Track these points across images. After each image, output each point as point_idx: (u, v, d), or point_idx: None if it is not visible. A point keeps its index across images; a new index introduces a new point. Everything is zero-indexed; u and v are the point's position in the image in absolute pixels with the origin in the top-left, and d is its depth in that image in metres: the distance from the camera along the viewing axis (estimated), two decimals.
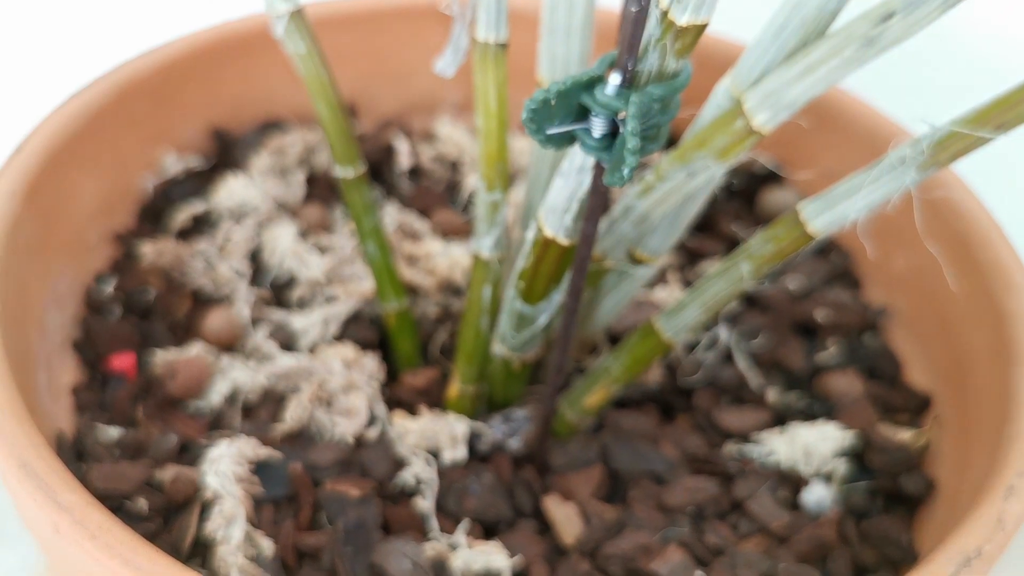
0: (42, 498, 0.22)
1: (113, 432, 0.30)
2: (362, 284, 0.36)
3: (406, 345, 0.35)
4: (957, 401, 0.34)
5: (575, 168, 0.25)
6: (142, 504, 0.28)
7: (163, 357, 0.32)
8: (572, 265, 0.27)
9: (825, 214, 0.27)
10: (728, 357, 0.36)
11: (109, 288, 0.35)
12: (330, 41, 0.41)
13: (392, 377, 0.35)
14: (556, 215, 0.26)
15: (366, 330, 0.35)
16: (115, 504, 0.28)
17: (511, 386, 0.33)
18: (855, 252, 0.41)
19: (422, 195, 0.40)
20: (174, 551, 0.27)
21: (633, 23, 0.21)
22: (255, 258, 0.37)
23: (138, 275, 0.35)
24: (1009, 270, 0.33)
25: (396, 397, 0.34)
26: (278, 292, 0.36)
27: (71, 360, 0.33)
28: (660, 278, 0.39)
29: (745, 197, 0.43)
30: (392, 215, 0.39)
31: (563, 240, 0.27)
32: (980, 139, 0.25)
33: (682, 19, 0.22)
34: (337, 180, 0.33)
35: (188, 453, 0.30)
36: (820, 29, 0.25)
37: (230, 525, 0.27)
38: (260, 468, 0.29)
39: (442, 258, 0.37)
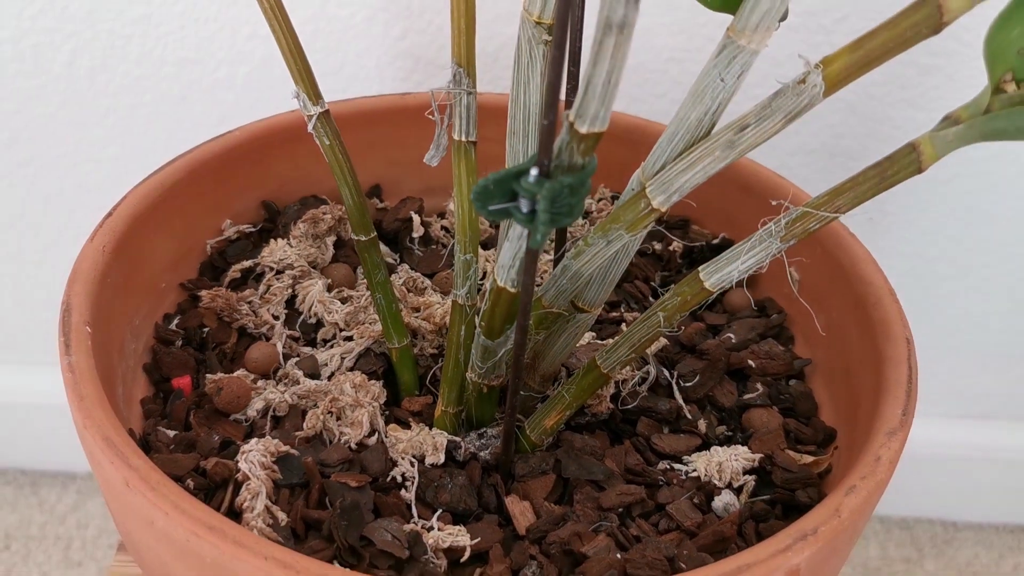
0: (118, 462, 0.31)
1: (171, 433, 0.39)
2: (373, 327, 0.44)
3: (407, 376, 0.44)
4: (850, 433, 0.41)
5: (516, 235, 0.34)
6: (190, 484, 0.36)
7: (212, 379, 0.41)
8: (519, 309, 0.35)
9: (716, 275, 0.36)
10: (670, 393, 0.44)
11: (173, 325, 0.44)
12: (361, 132, 0.51)
13: (395, 402, 0.43)
14: (504, 270, 0.35)
15: (375, 363, 0.44)
16: None
17: (484, 408, 0.41)
18: (792, 312, 0.49)
19: (429, 258, 0.49)
20: None
21: (545, 132, 0.30)
22: (290, 305, 0.46)
23: (196, 315, 0.45)
24: (893, 325, 0.41)
25: (396, 417, 0.42)
26: (307, 332, 0.45)
27: (142, 379, 0.42)
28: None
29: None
30: (404, 273, 0.48)
31: (511, 289, 0.35)
32: (822, 217, 0.34)
33: (582, 129, 0.31)
34: (355, 243, 0.42)
35: (227, 449, 0.38)
36: (702, 135, 0.34)
37: (255, 498, 0.35)
38: (281, 461, 0.37)
39: (439, 308, 0.45)
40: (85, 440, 0.33)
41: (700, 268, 0.36)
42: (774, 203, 0.36)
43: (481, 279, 0.44)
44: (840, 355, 0.44)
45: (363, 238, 0.41)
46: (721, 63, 0.32)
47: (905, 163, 0.32)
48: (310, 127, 0.39)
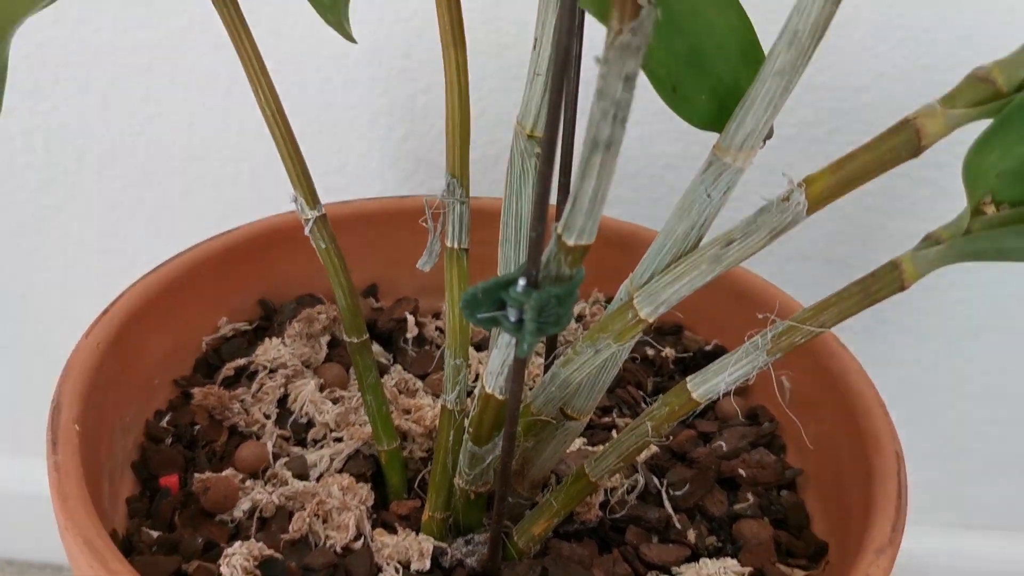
0: (97, 565, 0.31)
1: (154, 533, 0.39)
2: (364, 429, 0.44)
3: (395, 479, 0.44)
4: (842, 547, 0.41)
5: (504, 342, 0.34)
6: None
7: (200, 478, 0.41)
8: (506, 416, 0.35)
9: (703, 386, 0.36)
10: (659, 502, 0.44)
11: (164, 422, 0.44)
12: (360, 233, 0.51)
13: (383, 505, 0.43)
14: (492, 377, 0.35)
15: (364, 465, 0.44)
16: None
17: (471, 514, 0.40)
18: (784, 420, 0.48)
19: (422, 359, 0.50)
20: None
21: (533, 244, 0.31)
22: (282, 404, 0.46)
23: (188, 412, 0.45)
24: (882, 437, 0.41)
25: (384, 520, 0.42)
26: (298, 431, 0.45)
27: (130, 476, 0.42)
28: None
29: None
30: (396, 374, 0.48)
31: (498, 396, 0.35)
32: (808, 331, 0.34)
33: (570, 241, 0.31)
34: (347, 344, 0.42)
35: (211, 552, 0.38)
36: (689, 248, 0.34)
37: None
38: (265, 564, 0.37)
39: (429, 411, 0.45)
40: (66, 540, 0.33)
41: (688, 379, 0.36)
42: (760, 316, 0.36)
43: (473, 382, 0.44)
44: (831, 466, 0.44)
45: (355, 340, 0.41)
46: (708, 179, 0.33)
47: (888, 280, 0.33)
48: (307, 230, 0.40)
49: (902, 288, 0.33)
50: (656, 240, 0.35)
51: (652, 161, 0.70)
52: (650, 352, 0.52)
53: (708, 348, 0.52)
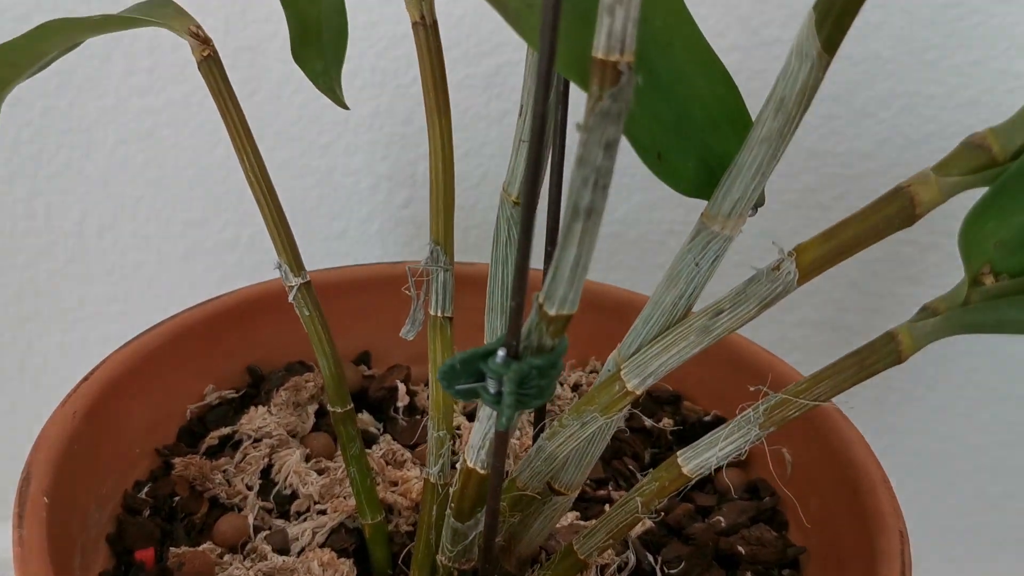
0: None
1: None
2: (348, 501, 0.43)
3: (379, 554, 0.42)
4: None
5: (486, 415, 0.33)
6: None
7: (175, 552, 0.40)
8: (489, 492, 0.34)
9: (694, 461, 0.34)
10: None
11: (144, 492, 0.43)
12: (353, 299, 0.51)
13: None
14: (474, 450, 0.34)
15: (347, 540, 0.42)
16: None
17: None
18: (786, 495, 0.47)
19: (412, 428, 0.48)
20: None
21: (513, 313, 0.30)
22: (266, 475, 0.45)
23: (168, 483, 0.43)
24: (886, 516, 0.39)
25: None
26: (281, 503, 0.44)
27: (104, 550, 0.41)
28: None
29: None
30: (385, 444, 0.47)
31: (480, 470, 0.34)
32: (802, 405, 0.32)
33: (551, 311, 0.30)
34: (331, 414, 0.41)
35: None
36: (677, 318, 0.33)
37: None
38: None
39: (416, 483, 0.44)
40: None
41: (679, 452, 0.35)
42: (752, 389, 0.35)
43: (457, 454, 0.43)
44: (834, 544, 0.42)
45: (339, 410, 0.40)
46: (696, 248, 0.32)
47: (884, 353, 0.31)
48: (291, 297, 0.39)
49: (899, 361, 0.31)
50: (644, 310, 0.34)
51: (655, 227, 0.69)
52: (647, 422, 0.50)
53: (707, 419, 0.50)
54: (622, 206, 0.69)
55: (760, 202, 0.35)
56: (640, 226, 0.70)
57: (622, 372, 0.33)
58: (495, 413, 0.33)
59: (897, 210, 0.29)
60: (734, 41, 0.63)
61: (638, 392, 0.33)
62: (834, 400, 0.47)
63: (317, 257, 0.71)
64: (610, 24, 0.23)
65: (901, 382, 0.74)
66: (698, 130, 0.31)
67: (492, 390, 0.31)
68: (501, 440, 0.33)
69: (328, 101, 0.65)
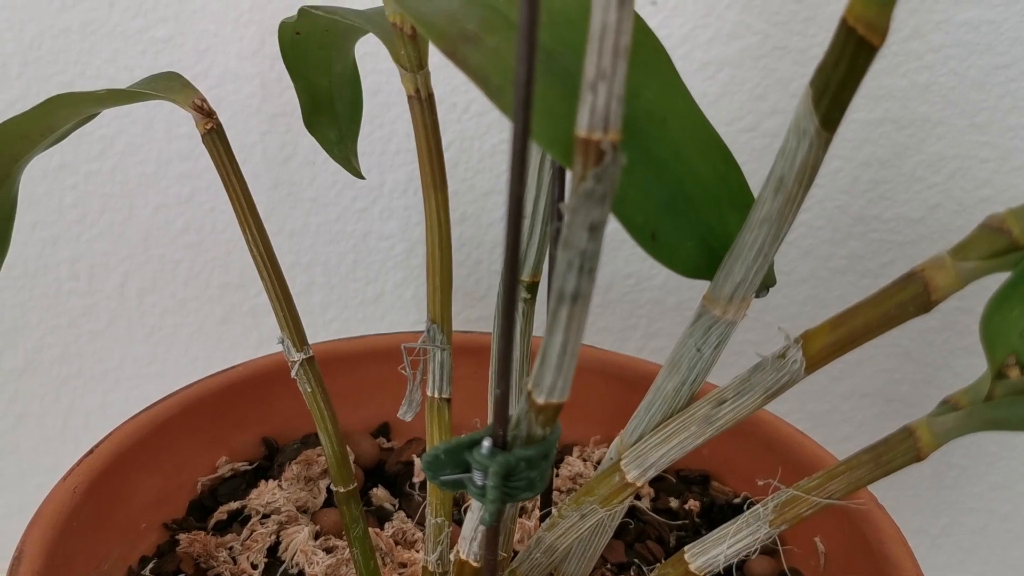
0: None
1: None
2: None
3: None
4: None
5: (477, 505, 0.31)
6: None
7: None
8: None
9: (701, 557, 0.32)
10: None
11: (148, 569, 0.42)
12: (372, 369, 0.50)
13: None
14: (467, 542, 0.32)
15: None
16: None
17: None
18: None
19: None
20: None
21: (498, 402, 0.28)
22: (274, 552, 0.44)
23: (174, 559, 0.43)
24: None
25: None
26: None
27: None
28: None
29: None
30: (397, 523, 0.45)
31: (473, 563, 0.32)
32: (814, 502, 0.30)
33: (540, 400, 0.29)
34: (334, 494, 0.40)
35: None
36: (679, 405, 0.31)
37: None
38: None
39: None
40: None
41: (686, 548, 0.33)
42: (760, 483, 0.32)
43: None
44: None
45: (342, 490, 0.39)
46: (697, 333, 0.30)
47: (901, 450, 0.29)
48: (293, 373, 0.38)
49: (918, 458, 0.29)
50: (646, 396, 0.32)
51: (696, 293, 0.67)
52: (674, 503, 0.48)
53: (736, 501, 0.48)
54: (661, 272, 0.67)
55: (770, 282, 0.33)
56: (680, 292, 0.68)
57: (622, 463, 0.31)
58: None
59: (912, 296, 0.27)
60: (775, 104, 0.61)
61: (638, 484, 0.31)
62: (872, 489, 0.44)
63: (352, 322, 0.71)
64: (592, 101, 0.21)
65: (960, 457, 0.70)
66: (696, 209, 0.29)
67: (479, 482, 0.30)
68: (491, 535, 0.31)
69: (363, 164, 0.65)
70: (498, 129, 0.64)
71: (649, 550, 0.46)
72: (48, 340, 0.73)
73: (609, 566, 0.45)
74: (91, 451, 0.41)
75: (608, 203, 0.24)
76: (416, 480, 0.48)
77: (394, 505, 0.48)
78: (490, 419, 0.35)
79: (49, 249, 0.69)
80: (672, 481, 0.49)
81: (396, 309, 0.70)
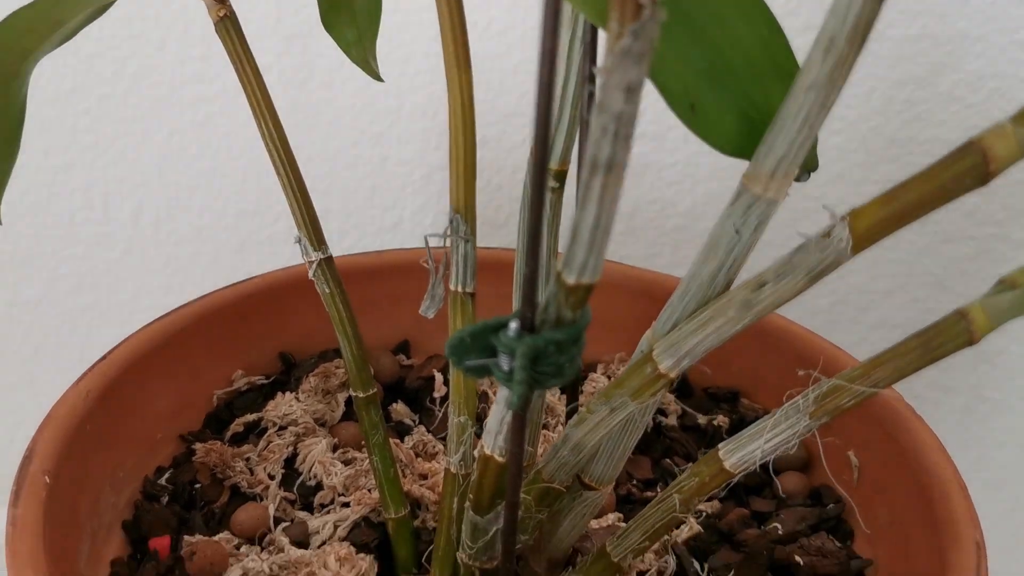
0: None
1: None
2: (372, 494, 0.40)
3: (403, 552, 0.39)
4: None
5: (503, 396, 0.30)
6: None
7: (189, 541, 0.38)
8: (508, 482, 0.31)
9: (736, 454, 0.31)
10: None
11: (164, 479, 0.41)
12: (391, 285, 0.48)
13: None
14: (491, 436, 0.31)
15: (369, 535, 0.40)
16: None
17: None
18: (853, 503, 0.43)
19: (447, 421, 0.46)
20: None
21: (526, 281, 0.27)
22: (291, 464, 0.43)
23: (190, 470, 0.42)
24: (960, 525, 0.35)
25: None
26: (305, 494, 0.42)
27: (119, 536, 0.39)
28: None
29: None
30: (417, 436, 0.44)
31: (498, 458, 0.31)
32: (859, 392, 0.29)
33: (570, 280, 0.27)
34: (353, 399, 0.38)
35: None
36: (716, 292, 0.30)
37: None
38: None
39: None
40: None
41: (720, 445, 0.31)
42: (801, 373, 0.31)
43: None
44: (903, 556, 0.38)
45: (361, 395, 0.37)
46: (736, 213, 0.28)
47: (953, 333, 0.27)
48: (311, 274, 0.37)
49: (971, 342, 0.28)
50: (680, 285, 0.30)
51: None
52: (702, 420, 0.47)
53: None
54: (686, 198, 0.65)
55: (812, 166, 0.32)
56: (706, 219, 0.66)
57: (654, 353, 0.30)
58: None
59: (968, 167, 0.26)
60: None
61: (672, 375, 0.30)
62: (912, 405, 0.43)
63: (370, 250, 0.69)
64: None
65: (992, 391, 0.68)
66: (737, 78, 0.28)
67: (505, 367, 0.28)
68: (518, 424, 0.30)
69: (380, 89, 0.63)
70: (520, 48, 0.62)
71: (676, 466, 0.45)
72: (63, 270, 0.72)
73: (635, 482, 0.44)
74: (104, 357, 0.40)
75: (646, 63, 0.22)
76: (436, 395, 0.47)
77: (414, 421, 0.47)
78: (516, 305, 0.34)
79: (62, 176, 0.68)
80: (700, 398, 0.48)
81: (415, 237, 0.69)
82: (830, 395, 0.29)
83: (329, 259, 0.37)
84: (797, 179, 0.29)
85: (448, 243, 0.34)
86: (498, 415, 0.31)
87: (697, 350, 0.29)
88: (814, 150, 0.31)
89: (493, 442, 0.31)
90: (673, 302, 0.30)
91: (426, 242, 0.34)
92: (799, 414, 0.30)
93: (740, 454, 0.31)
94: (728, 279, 0.29)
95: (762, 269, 0.29)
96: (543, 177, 0.25)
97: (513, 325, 0.28)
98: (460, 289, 0.33)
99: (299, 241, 0.37)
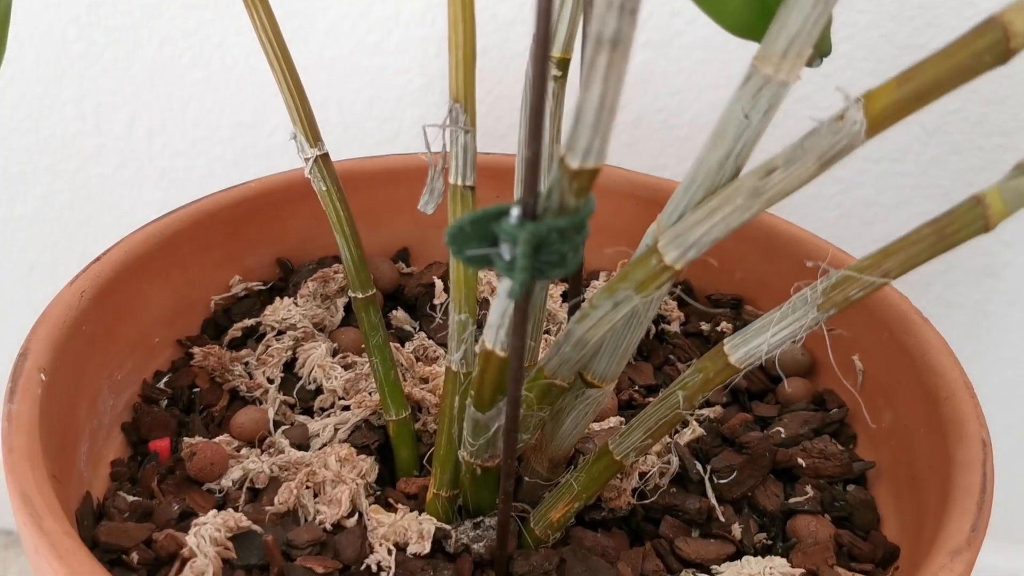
0: (31, 523, 0.27)
1: (130, 499, 0.35)
2: (373, 397, 0.40)
3: (405, 453, 0.39)
4: (914, 551, 0.34)
5: (505, 288, 0.29)
6: (134, 557, 0.32)
7: (188, 442, 0.38)
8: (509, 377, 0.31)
9: (742, 348, 0.30)
10: (702, 491, 0.38)
11: (162, 383, 0.41)
12: (389, 190, 0.47)
13: (391, 482, 0.39)
14: (493, 330, 0.30)
15: (370, 437, 0.39)
16: (114, 557, 0.32)
17: (480, 493, 0.36)
18: (856, 408, 0.42)
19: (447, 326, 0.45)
20: None
21: (528, 166, 0.26)
22: (290, 368, 0.42)
23: (189, 374, 0.41)
24: (967, 424, 0.34)
25: (389, 499, 0.37)
26: (305, 399, 0.41)
27: (119, 438, 0.39)
28: None
29: None
30: (417, 341, 0.44)
31: (500, 352, 0.31)
32: (869, 283, 0.28)
33: (574, 164, 0.26)
34: (352, 301, 0.38)
35: (186, 521, 0.34)
36: (724, 180, 0.29)
37: None
38: (241, 538, 0.33)
39: None
40: (11, 496, 0.30)
41: (725, 340, 0.31)
42: (809, 264, 0.30)
43: None
44: (907, 458, 0.38)
45: (360, 295, 0.37)
46: (745, 96, 0.27)
47: (968, 220, 0.27)
48: (307, 171, 0.36)
49: (986, 229, 0.27)
50: (686, 174, 0.29)
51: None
52: (705, 327, 0.46)
53: None
54: (692, 107, 0.64)
55: (825, 49, 0.31)
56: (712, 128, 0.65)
57: (660, 244, 0.29)
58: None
59: (989, 44, 0.25)
60: None
61: (677, 267, 0.29)
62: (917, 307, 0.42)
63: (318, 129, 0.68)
64: None
65: (997, 305, 0.68)
66: None
67: (506, 256, 0.27)
68: (520, 316, 0.29)
69: None
70: None
71: (679, 372, 0.44)
72: (57, 185, 0.71)
73: (637, 387, 0.44)
74: (98, 258, 0.39)
75: None
76: (437, 302, 0.46)
77: (414, 327, 0.46)
78: (518, 192, 0.33)
79: (54, 88, 0.66)
80: (703, 305, 0.48)
81: (414, 149, 0.67)
82: (839, 286, 0.28)
83: (326, 156, 0.36)
84: (809, 64, 0.28)
85: (447, 135, 0.33)
86: (499, 308, 0.30)
87: (704, 240, 0.29)
88: (828, 31, 0.30)
89: (495, 336, 0.30)
90: (678, 193, 0.30)
91: (424, 133, 0.33)
92: (807, 306, 0.29)
93: (746, 348, 0.30)
94: (737, 166, 0.29)
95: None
96: (546, 50, 0.24)
97: (515, 212, 0.27)
98: (460, 182, 0.32)
99: (294, 138, 0.36)
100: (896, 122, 0.26)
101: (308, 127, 0.35)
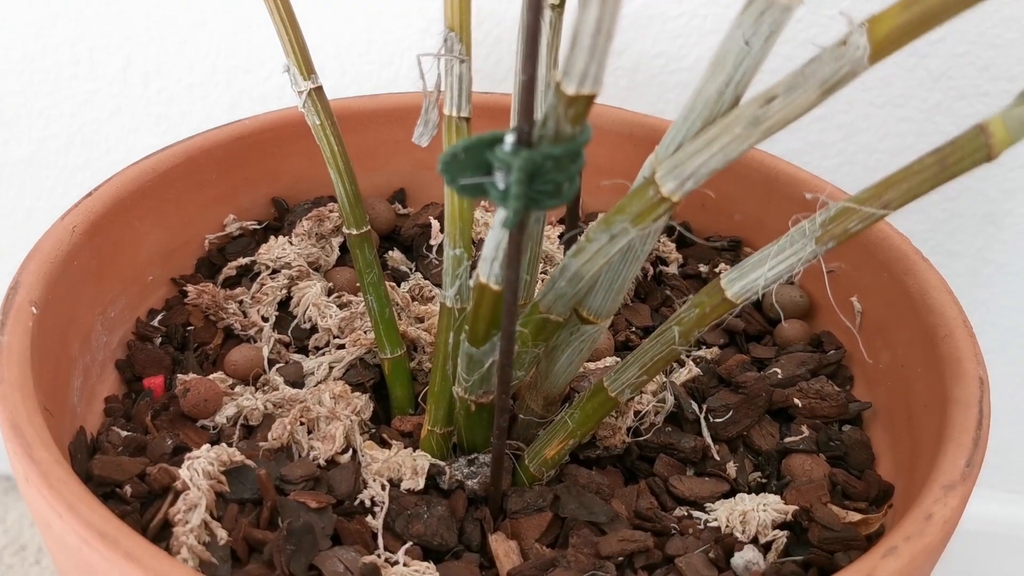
0: (22, 452, 0.27)
1: (124, 434, 0.35)
2: (368, 336, 0.40)
3: (400, 391, 0.39)
4: (908, 489, 0.34)
5: (500, 220, 0.29)
6: (128, 490, 0.32)
7: (182, 379, 0.38)
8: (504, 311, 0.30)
9: (738, 283, 0.30)
10: (698, 430, 0.38)
11: (156, 321, 0.41)
12: (386, 130, 0.47)
13: (386, 420, 0.39)
14: (487, 263, 0.30)
15: (365, 375, 0.39)
16: (108, 490, 0.32)
17: (475, 430, 0.36)
18: (853, 350, 0.42)
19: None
20: (143, 529, 0.31)
21: (524, 90, 0.25)
22: (285, 307, 0.42)
23: (183, 312, 0.41)
24: (964, 362, 0.34)
25: (383, 436, 0.37)
26: (300, 337, 0.41)
27: (112, 375, 0.38)
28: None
29: None
30: (413, 281, 0.43)
31: (494, 286, 0.30)
32: (869, 215, 0.28)
33: (570, 90, 0.26)
34: (346, 237, 0.37)
35: (180, 456, 0.34)
36: (723, 110, 0.28)
37: (190, 511, 0.31)
38: (234, 472, 0.33)
39: None
40: (2, 427, 0.29)
41: (722, 274, 0.30)
42: (809, 196, 0.30)
43: None
44: (904, 399, 0.37)
45: (354, 232, 0.37)
46: (746, 22, 0.27)
47: (971, 148, 0.26)
48: (300, 104, 0.35)
49: (989, 158, 0.26)
50: (684, 105, 0.29)
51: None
52: (703, 269, 0.46)
53: None
54: (692, 52, 0.63)
55: None
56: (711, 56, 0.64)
57: (657, 175, 0.29)
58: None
59: None
60: None
61: (675, 198, 0.29)
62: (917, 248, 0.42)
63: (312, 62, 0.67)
64: None
65: (998, 254, 0.67)
66: None
67: (500, 185, 0.27)
68: (514, 247, 0.29)
69: None
70: None
71: None
72: (52, 129, 0.70)
73: (634, 329, 0.43)
74: (90, 193, 0.38)
75: None
76: (433, 243, 0.46)
77: (410, 268, 0.46)
78: (514, 120, 0.32)
79: (48, 29, 0.65)
80: (702, 247, 0.47)
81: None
82: (838, 218, 0.28)
83: (319, 89, 0.35)
84: None
85: (442, 65, 0.32)
86: (494, 240, 0.30)
87: (702, 171, 0.28)
88: None
89: (489, 269, 0.30)
90: (677, 124, 0.29)
91: (418, 62, 0.32)
92: (805, 239, 0.29)
93: (742, 283, 0.30)
94: (736, 95, 0.28)
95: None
96: None
97: (509, 139, 0.26)
98: (455, 113, 0.32)
99: (287, 70, 0.35)
100: (901, 47, 0.26)
101: (302, 59, 0.35)
